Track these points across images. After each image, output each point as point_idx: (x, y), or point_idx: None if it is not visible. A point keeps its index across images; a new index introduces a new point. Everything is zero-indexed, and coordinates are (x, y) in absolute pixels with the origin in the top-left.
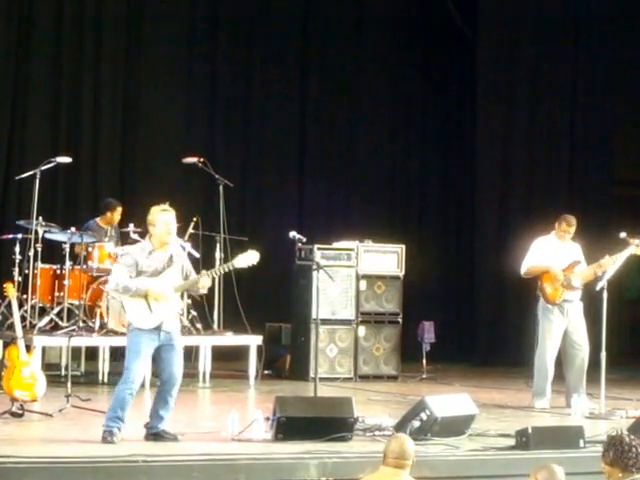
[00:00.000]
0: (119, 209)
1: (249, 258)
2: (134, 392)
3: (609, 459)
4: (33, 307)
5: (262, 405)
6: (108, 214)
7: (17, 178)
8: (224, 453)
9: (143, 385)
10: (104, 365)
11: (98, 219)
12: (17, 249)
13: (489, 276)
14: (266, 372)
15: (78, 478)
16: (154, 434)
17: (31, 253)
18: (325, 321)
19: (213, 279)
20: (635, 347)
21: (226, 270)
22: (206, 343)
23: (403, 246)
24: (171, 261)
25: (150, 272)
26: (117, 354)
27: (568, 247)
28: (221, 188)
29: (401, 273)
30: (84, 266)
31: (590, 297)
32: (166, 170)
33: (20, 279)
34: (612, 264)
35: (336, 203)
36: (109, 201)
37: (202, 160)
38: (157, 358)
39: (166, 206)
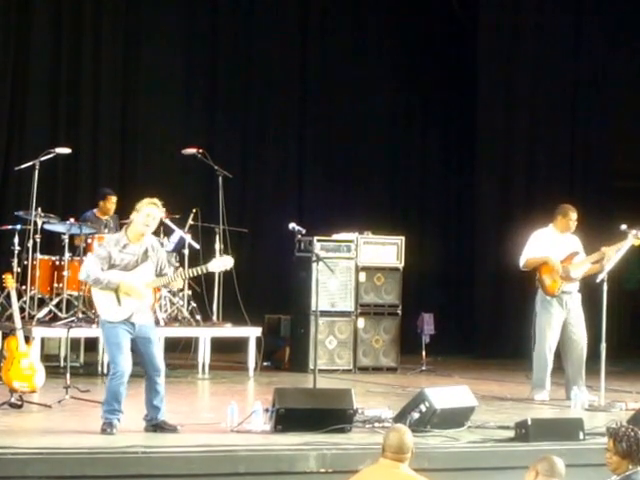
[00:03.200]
0: (111, 198)
1: (223, 263)
2: (125, 383)
3: (621, 450)
4: (32, 298)
5: (261, 397)
6: (101, 204)
7: (16, 169)
8: (223, 444)
9: (141, 376)
10: (103, 356)
11: (95, 210)
12: (16, 240)
13: (489, 268)
14: (265, 364)
15: (77, 469)
16: (154, 425)
17: (30, 244)
18: (324, 313)
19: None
20: (635, 339)
21: (199, 273)
22: (205, 335)
23: (403, 238)
24: (145, 256)
25: (122, 266)
26: None
27: (566, 239)
28: (220, 179)
29: (400, 265)
30: (83, 257)
31: (590, 289)
32: (165, 161)
33: (19, 270)
34: (613, 254)
35: (336, 195)
36: (101, 190)
37: (201, 151)
38: (136, 351)
39: (157, 201)
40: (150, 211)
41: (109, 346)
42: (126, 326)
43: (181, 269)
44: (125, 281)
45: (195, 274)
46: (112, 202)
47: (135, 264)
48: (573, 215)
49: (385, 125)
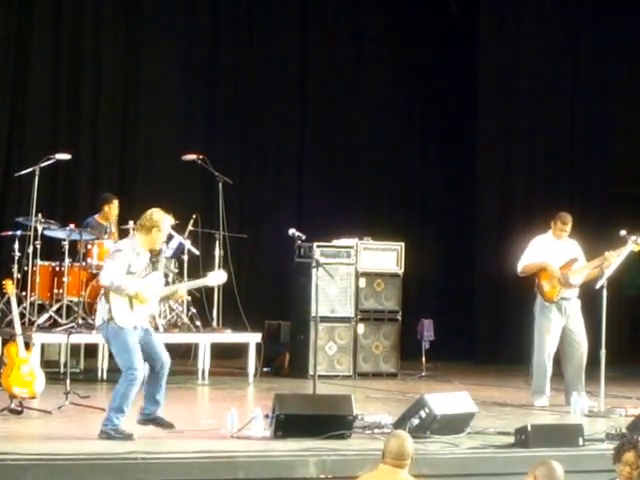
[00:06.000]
0: (115, 202)
1: (218, 278)
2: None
3: None
4: (32, 304)
5: (261, 403)
6: (105, 208)
7: (16, 175)
8: (223, 450)
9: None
10: (103, 362)
11: (97, 216)
12: (16, 246)
13: (489, 274)
14: (265, 370)
15: (76, 475)
16: (151, 419)
17: (30, 250)
18: (324, 319)
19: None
20: (634, 345)
21: (197, 286)
22: (205, 340)
23: (402, 244)
24: (155, 266)
25: (138, 273)
26: None
27: (565, 245)
28: (220, 185)
29: (400, 271)
30: (83, 263)
31: (590, 295)
32: (166, 167)
33: (19, 276)
34: (615, 259)
35: (336, 200)
36: (105, 195)
37: (201, 157)
38: (143, 352)
39: (171, 217)
40: (168, 227)
41: (126, 352)
42: (136, 331)
43: (181, 282)
44: (143, 292)
45: (194, 287)
46: (116, 206)
47: (144, 271)
48: (562, 223)
49: (385, 131)
